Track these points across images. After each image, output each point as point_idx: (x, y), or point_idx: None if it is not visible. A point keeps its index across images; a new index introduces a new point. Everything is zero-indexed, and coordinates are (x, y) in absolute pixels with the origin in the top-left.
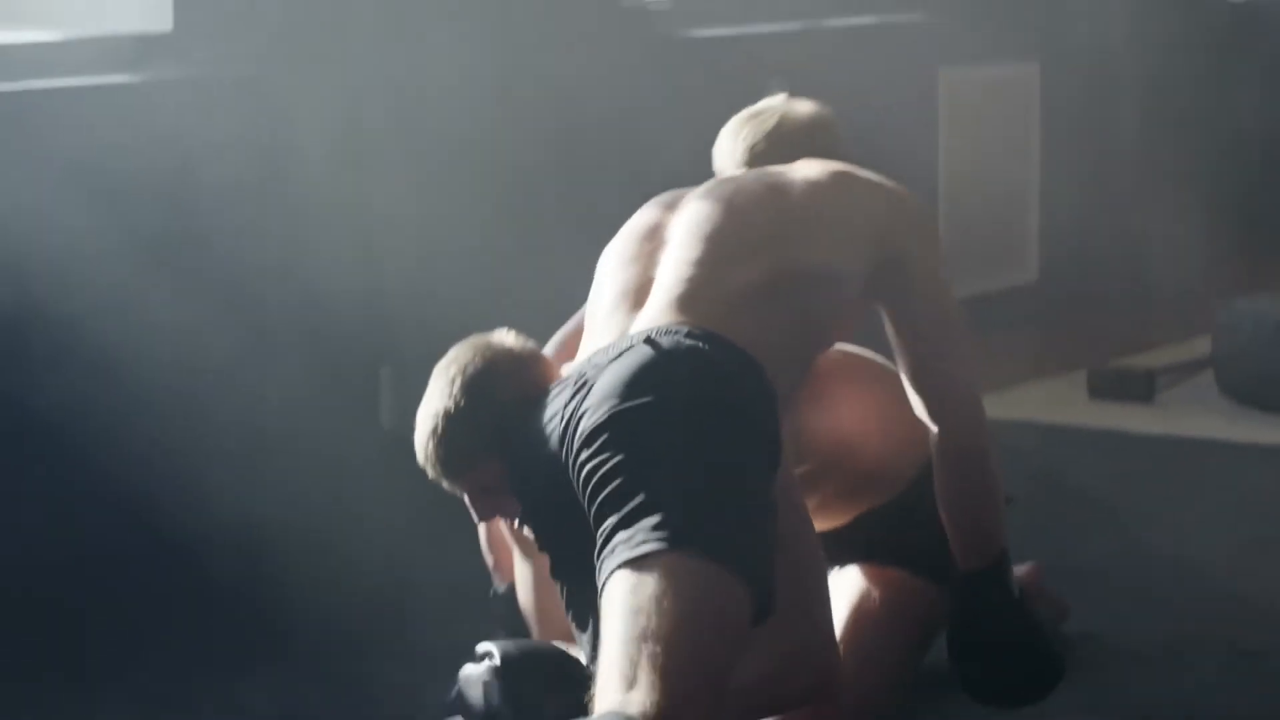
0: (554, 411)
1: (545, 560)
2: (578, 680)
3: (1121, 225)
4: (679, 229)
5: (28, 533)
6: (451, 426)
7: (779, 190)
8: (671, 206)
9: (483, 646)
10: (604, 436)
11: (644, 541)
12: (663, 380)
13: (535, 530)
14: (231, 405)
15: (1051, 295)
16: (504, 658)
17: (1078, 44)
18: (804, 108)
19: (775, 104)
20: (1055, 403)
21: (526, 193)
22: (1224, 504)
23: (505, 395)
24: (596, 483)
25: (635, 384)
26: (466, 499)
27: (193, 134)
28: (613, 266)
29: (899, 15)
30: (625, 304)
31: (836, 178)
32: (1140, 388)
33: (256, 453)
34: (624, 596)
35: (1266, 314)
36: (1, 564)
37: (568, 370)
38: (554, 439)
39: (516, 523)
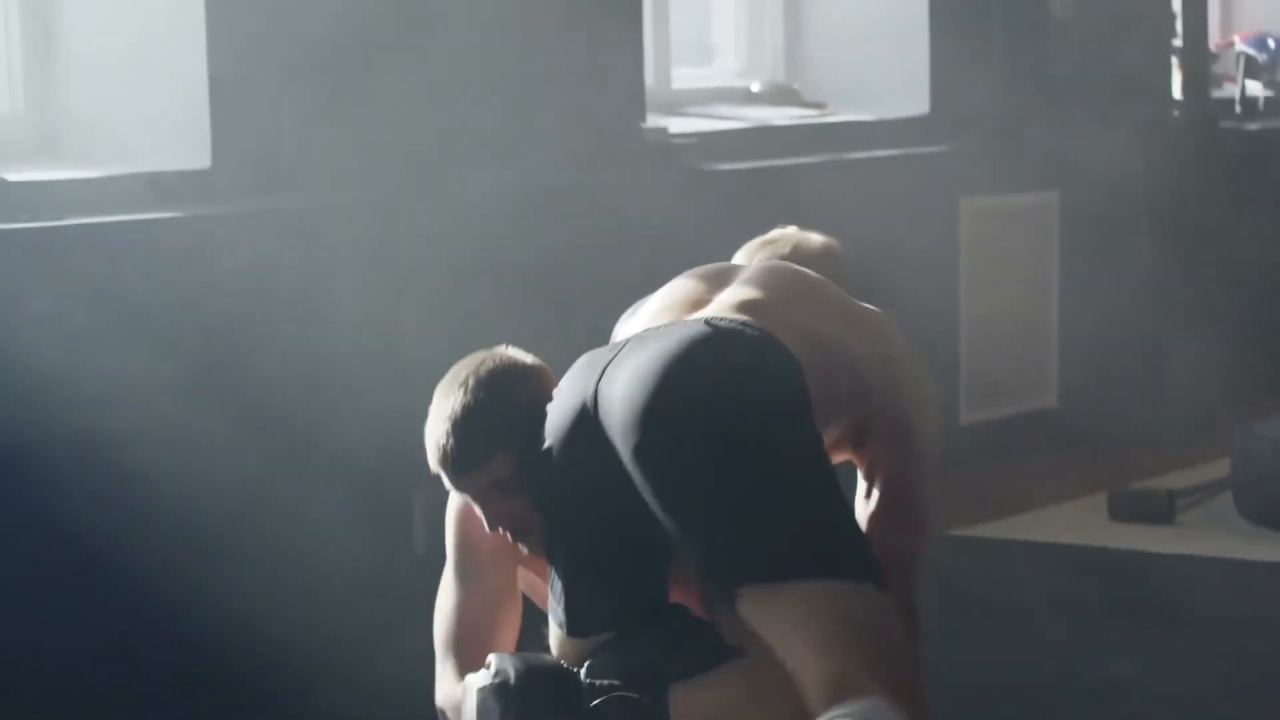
0: (578, 376)
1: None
2: (582, 700)
3: (1140, 350)
4: (739, 278)
5: (72, 651)
6: (466, 419)
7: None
8: (711, 277)
9: (493, 659)
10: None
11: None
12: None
13: (549, 515)
14: (267, 528)
15: (1072, 420)
16: (515, 675)
17: (1096, 173)
18: (816, 237)
19: (789, 232)
20: (1077, 525)
21: (557, 314)
22: (1244, 621)
23: (517, 395)
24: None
25: (695, 357)
26: (478, 507)
27: (230, 264)
28: (652, 307)
29: (921, 147)
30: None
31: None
32: (1160, 509)
33: (292, 573)
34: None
35: None
36: (45, 679)
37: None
38: (580, 388)
39: (510, 535)
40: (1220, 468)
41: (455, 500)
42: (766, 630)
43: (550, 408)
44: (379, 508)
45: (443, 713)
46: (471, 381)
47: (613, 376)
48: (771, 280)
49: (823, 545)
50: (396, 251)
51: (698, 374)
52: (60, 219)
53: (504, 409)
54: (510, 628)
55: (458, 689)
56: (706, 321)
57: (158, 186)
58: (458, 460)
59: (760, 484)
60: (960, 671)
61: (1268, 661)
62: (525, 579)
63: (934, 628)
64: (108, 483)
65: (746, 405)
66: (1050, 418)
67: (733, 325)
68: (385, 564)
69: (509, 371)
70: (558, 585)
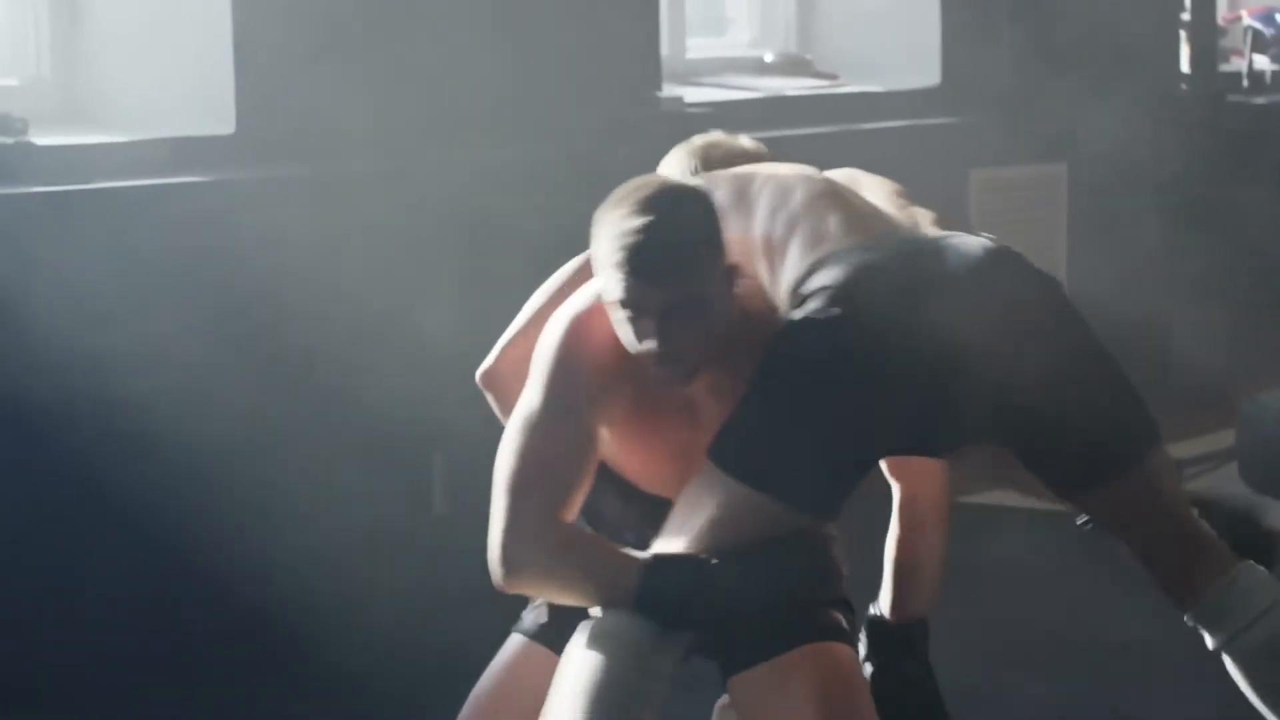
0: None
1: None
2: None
3: (1147, 321)
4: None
5: (97, 614)
6: (696, 223)
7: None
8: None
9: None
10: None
11: None
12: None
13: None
14: (289, 489)
15: None
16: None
17: (1103, 145)
18: (747, 140)
19: (719, 135)
20: None
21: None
22: None
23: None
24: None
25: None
26: (657, 320)
27: (255, 230)
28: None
29: (931, 119)
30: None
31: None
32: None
33: (313, 535)
34: None
35: None
36: (72, 640)
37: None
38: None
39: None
40: (1225, 438)
41: (558, 334)
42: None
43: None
44: (398, 469)
45: (511, 567)
46: (693, 195)
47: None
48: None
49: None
50: (417, 218)
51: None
52: (86, 183)
53: (719, 227)
54: (590, 475)
55: (549, 536)
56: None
57: (182, 152)
58: (683, 259)
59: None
60: (971, 633)
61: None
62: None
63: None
64: (129, 444)
65: None
66: None
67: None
68: (405, 524)
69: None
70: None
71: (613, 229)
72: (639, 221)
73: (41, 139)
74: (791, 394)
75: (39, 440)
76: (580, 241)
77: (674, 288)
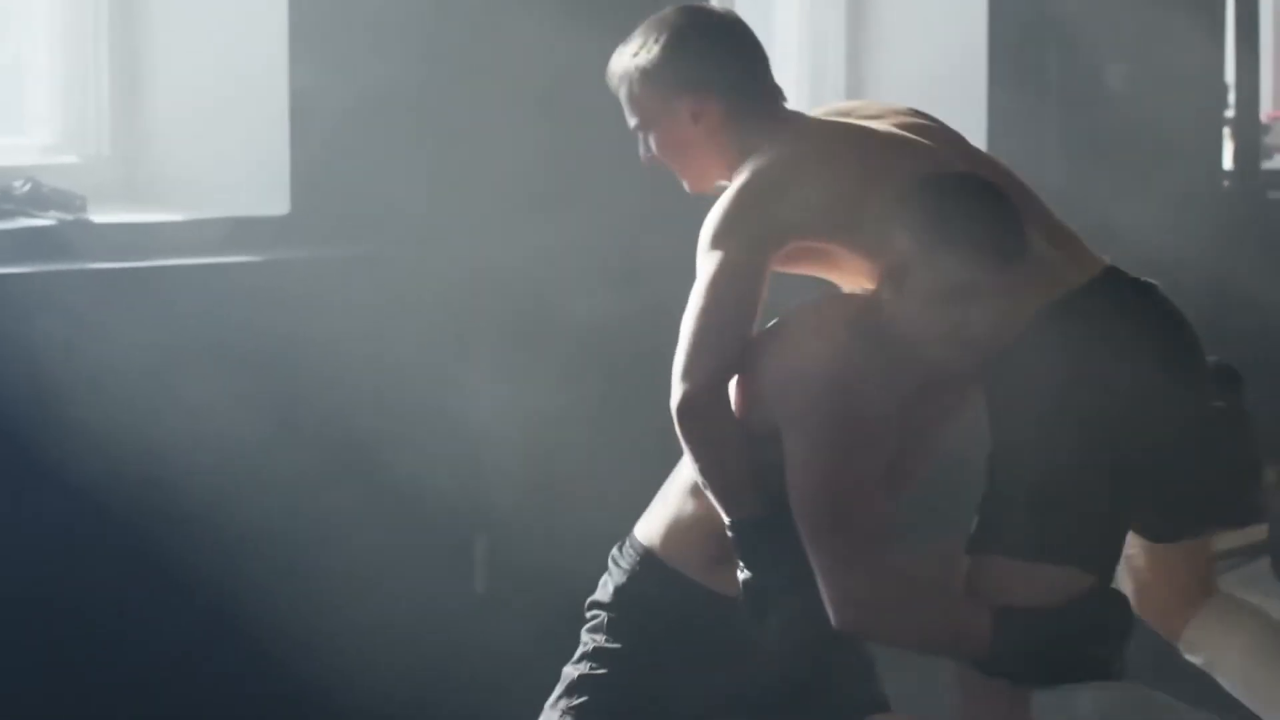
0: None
1: None
2: None
3: None
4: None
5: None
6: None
7: None
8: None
9: None
10: None
11: None
12: None
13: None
14: (334, 564)
15: None
16: None
17: (1144, 240)
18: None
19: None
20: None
21: (610, 373)
22: None
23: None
24: None
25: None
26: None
27: (307, 308)
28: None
29: None
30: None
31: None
32: None
33: (354, 611)
34: None
35: None
36: (127, 708)
37: None
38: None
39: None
40: (1259, 531)
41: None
42: None
43: None
44: (441, 549)
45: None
46: (673, 24)
47: None
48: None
49: None
50: (464, 300)
51: None
52: (142, 260)
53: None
54: None
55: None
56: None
57: (238, 231)
58: (617, 84)
59: None
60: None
61: None
62: None
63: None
64: (177, 522)
65: None
66: None
67: None
68: (447, 604)
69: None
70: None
71: None
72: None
73: (99, 216)
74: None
75: (88, 516)
76: (626, 324)
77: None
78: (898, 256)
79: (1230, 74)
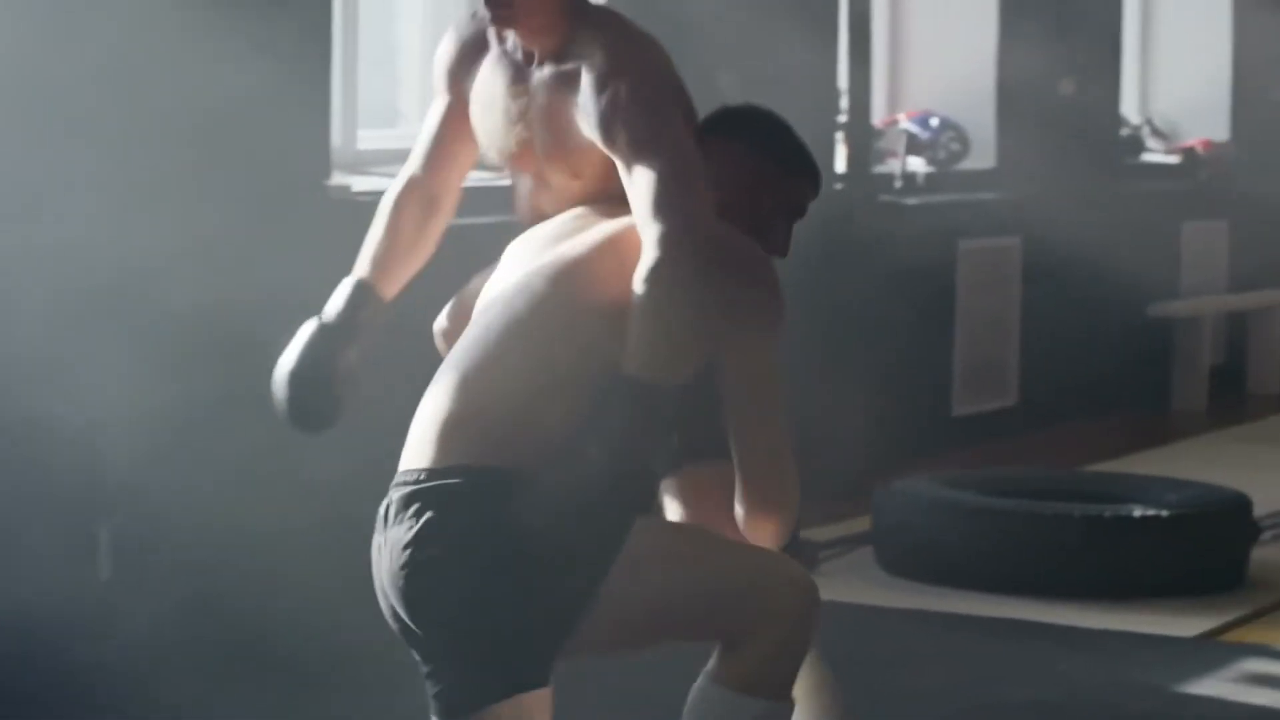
0: None
1: None
2: None
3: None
4: None
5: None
6: None
7: None
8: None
9: None
10: None
11: None
12: None
13: None
14: None
15: None
16: None
17: None
18: None
19: None
20: None
21: (230, 363)
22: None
23: None
24: None
25: None
26: None
27: None
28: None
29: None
30: None
31: None
32: (803, 559)
33: None
34: None
35: (919, 494)
36: None
37: None
38: None
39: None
40: (863, 523)
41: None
42: None
43: None
44: (64, 536)
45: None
46: None
47: None
48: None
49: None
50: (74, 288)
51: None
52: None
53: None
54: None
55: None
56: None
57: None
58: None
59: None
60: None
61: (897, 699)
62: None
63: None
64: None
65: None
66: None
67: None
68: (71, 590)
69: None
70: None
71: None
72: None
73: None
74: None
75: None
76: (235, 317)
77: None
78: None
79: (843, 80)
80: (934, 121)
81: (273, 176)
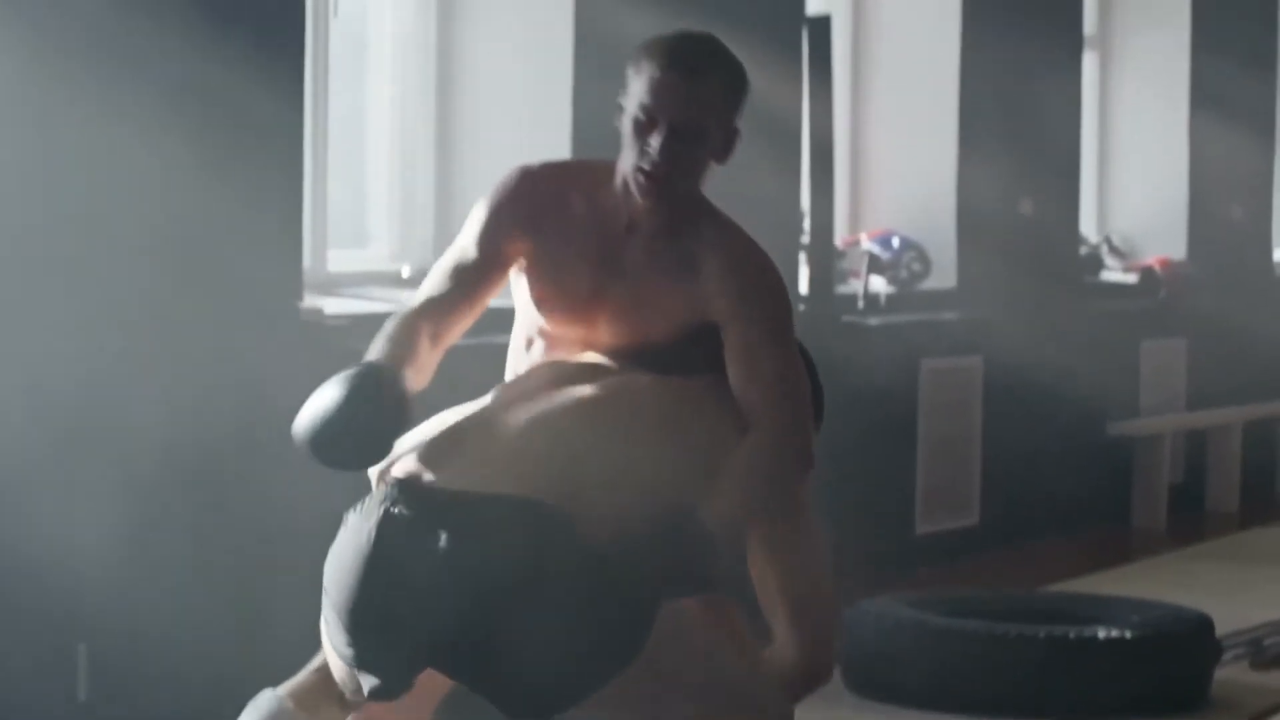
0: None
1: None
2: None
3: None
4: None
5: None
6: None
7: None
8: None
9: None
10: None
11: None
12: None
13: None
14: None
15: None
16: None
17: None
18: None
19: None
20: None
21: (206, 488)
22: None
23: None
24: None
25: None
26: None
27: None
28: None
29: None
30: None
31: None
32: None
33: None
34: None
35: (887, 615)
36: None
37: None
38: None
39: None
40: None
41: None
42: None
43: None
44: (42, 657)
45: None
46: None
47: None
48: None
49: None
50: (45, 410)
51: None
52: None
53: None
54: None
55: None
56: None
57: None
58: (719, 65)
59: None
60: None
61: None
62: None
63: None
64: None
65: None
66: None
67: None
68: (50, 711)
69: None
70: None
71: (665, 43)
72: (694, 36)
73: None
74: None
75: None
76: (208, 440)
77: (698, 92)
78: None
79: (805, 201)
80: (895, 241)
81: (245, 299)
